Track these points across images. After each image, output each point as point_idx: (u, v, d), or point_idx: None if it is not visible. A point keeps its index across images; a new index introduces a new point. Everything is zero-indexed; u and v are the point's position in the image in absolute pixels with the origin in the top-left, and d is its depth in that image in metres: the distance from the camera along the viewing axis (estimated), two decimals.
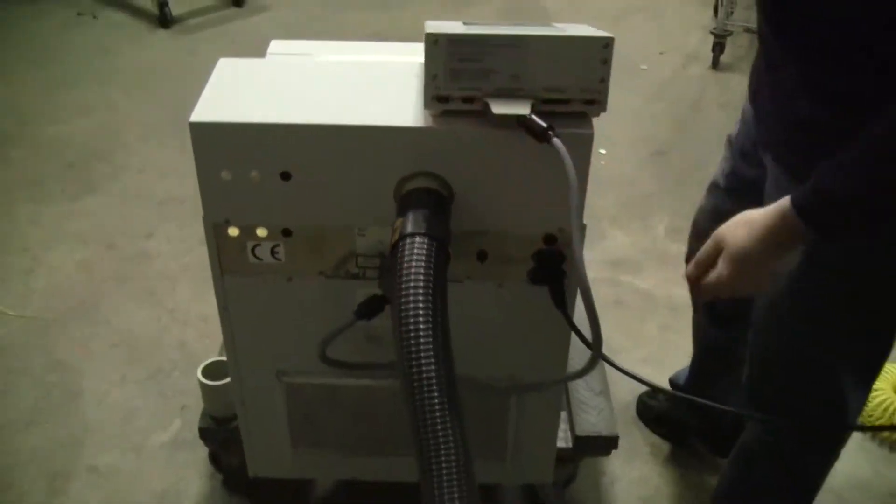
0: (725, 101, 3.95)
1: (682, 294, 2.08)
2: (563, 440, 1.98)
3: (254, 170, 1.43)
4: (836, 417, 1.66)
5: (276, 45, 1.79)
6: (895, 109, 1.21)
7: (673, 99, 4.01)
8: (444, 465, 1.11)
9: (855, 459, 2.35)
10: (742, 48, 4.44)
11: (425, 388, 1.15)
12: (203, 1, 4.95)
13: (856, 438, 2.39)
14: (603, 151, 3.53)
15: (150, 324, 2.68)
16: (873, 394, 2.37)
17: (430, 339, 1.16)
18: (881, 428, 2.40)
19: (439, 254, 1.26)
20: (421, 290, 1.20)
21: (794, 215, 1.30)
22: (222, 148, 1.41)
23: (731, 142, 1.83)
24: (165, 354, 2.56)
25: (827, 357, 1.58)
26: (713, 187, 1.91)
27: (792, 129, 1.48)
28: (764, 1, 1.47)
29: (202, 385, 1.96)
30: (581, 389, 2.10)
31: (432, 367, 1.15)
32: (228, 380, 1.89)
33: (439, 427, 1.13)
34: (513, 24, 1.43)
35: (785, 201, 1.32)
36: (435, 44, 1.34)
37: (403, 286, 1.21)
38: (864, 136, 1.23)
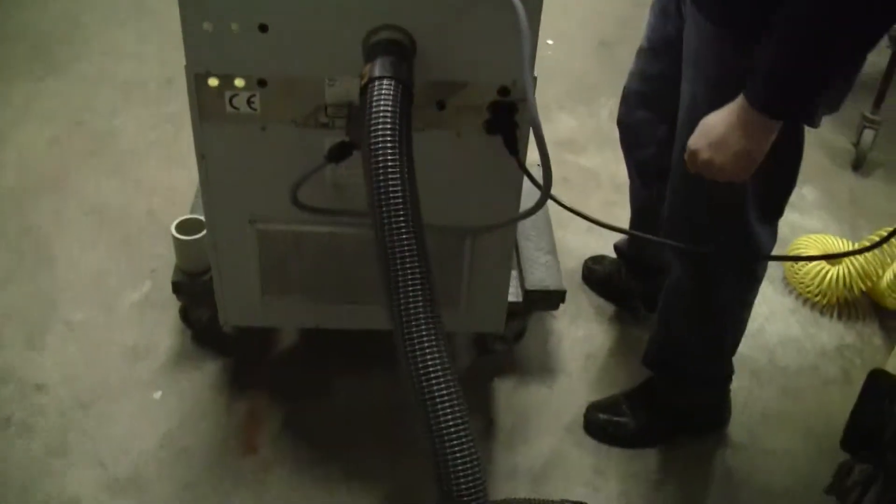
0: None
1: (624, 172, 2.25)
2: (514, 294, 2.15)
3: (234, 21, 1.55)
4: (747, 252, 1.85)
5: None
6: None
7: None
8: (411, 303, 1.26)
9: (786, 321, 2.56)
10: None
11: (393, 222, 1.29)
12: None
13: (787, 303, 2.61)
14: (550, 42, 3.68)
15: (119, 194, 2.79)
16: (808, 263, 2.57)
17: (399, 172, 1.31)
18: (790, 258, 2.59)
19: (405, 95, 1.40)
20: (389, 126, 1.34)
21: (754, 111, 1.45)
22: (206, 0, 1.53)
23: (653, 4, 1.98)
24: (135, 221, 2.68)
25: (736, 198, 1.74)
26: (639, 52, 2.07)
27: None
28: None
29: (175, 240, 2.09)
30: (531, 249, 2.26)
31: (400, 200, 1.29)
32: (201, 235, 2.04)
33: (408, 264, 1.28)
34: None
35: (739, 101, 1.46)
36: None
37: (373, 123, 1.35)
38: (785, 13, 1.37)
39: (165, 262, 2.41)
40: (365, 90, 1.41)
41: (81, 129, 3.08)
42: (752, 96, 1.45)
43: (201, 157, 1.74)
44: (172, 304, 2.30)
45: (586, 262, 2.64)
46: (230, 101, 1.65)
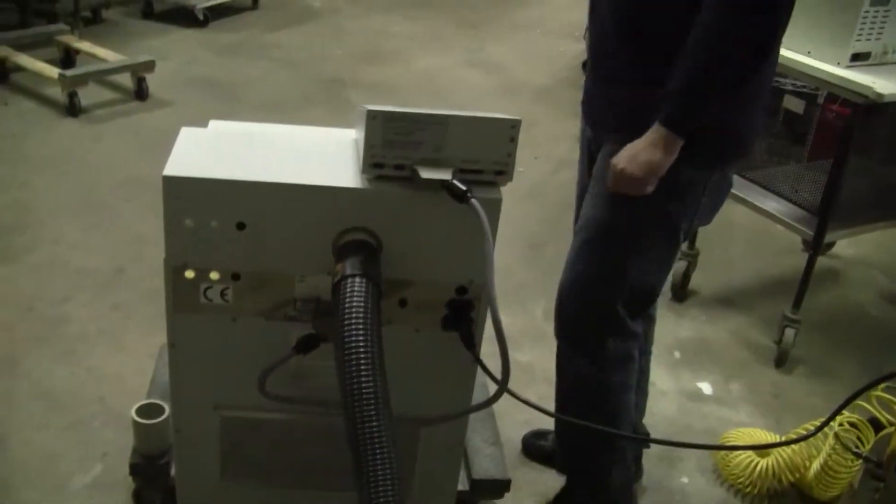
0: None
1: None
2: (461, 483, 2.22)
3: (214, 219, 1.67)
4: (650, 299, 2.30)
5: (215, 124, 2.04)
6: (703, 18, 1.83)
7: (545, 200, 4.41)
8: (381, 498, 1.35)
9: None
10: None
11: (365, 418, 1.40)
12: (109, 94, 5.16)
13: (719, 493, 2.70)
14: None
15: (69, 379, 2.83)
16: (737, 454, 2.70)
17: (370, 368, 1.42)
18: (721, 447, 2.71)
19: (375, 291, 1.53)
20: (361, 323, 1.46)
21: (668, 131, 1.92)
22: (189, 199, 1.65)
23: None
24: (85, 407, 2.71)
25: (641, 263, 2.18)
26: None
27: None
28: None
29: (136, 424, 2.14)
30: (476, 440, 2.35)
31: (371, 395, 1.40)
32: (161, 419, 2.10)
33: (378, 455, 1.37)
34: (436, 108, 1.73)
35: (655, 128, 1.92)
36: (374, 118, 1.62)
37: (346, 319, 1.47)
38: (688, 49, 1.86)
39: (116, 446, 2.44)
40: (337, 287, 1.53)
41: (32, 315, 3.13)
42: (665, 119, 1.92)
43: (172, 345, 1.82)
44: (123, 487, 2.32)
45: (527, 436, 2.77)
46: (204, 292, 1.75)
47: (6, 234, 3.62)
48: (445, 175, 1.62)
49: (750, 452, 2.66)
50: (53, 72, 4.84)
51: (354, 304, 1.49)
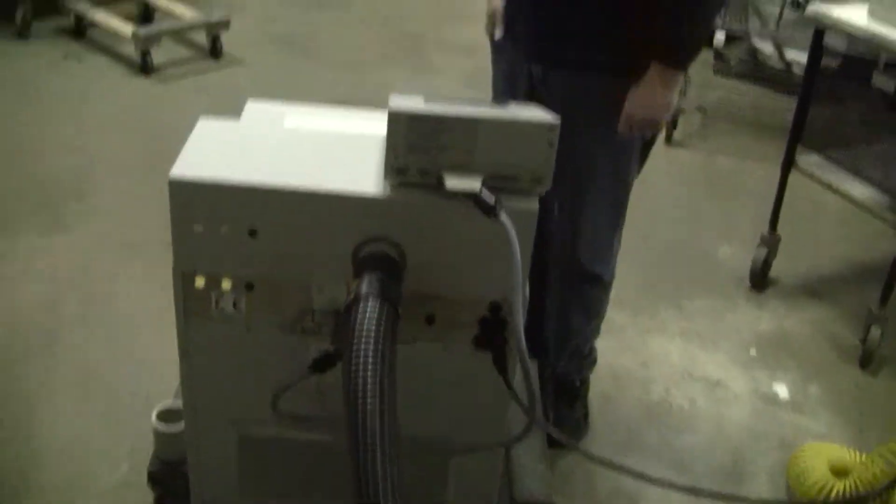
0: (674, 172, 4.13)
1: None
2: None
3: (224, 225, 1.53)
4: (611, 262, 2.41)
5: (251, 106, 1.89)
6: None
7: None
8: None
9: None
10: (693, 125, 4.60)
11: (369, 447, 1.25)
12: (183, 52, 5.08)
13: None
14: None
15: (108, 365, 2.75)
16: (811, 473, 2.48)
17: (376, 400, 1.27)
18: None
19: (390, 315, 1.37)
20: (371, 353, 1.30)
21: (669, 70, 2.04)
22: (197, 203, 1.52)
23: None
24: (120, 398, 2.64)
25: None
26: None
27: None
28: None
29: (155, 430, 2.03)
30: (523, 455, 2.19)
31: (377, 427, 1.25)
32: (181, 427, 1.98)
33: (379, 485, 1.23)
34: (472, 101, 1.55)
35: (654, 70, 2.03)
36: (396, 120, 1.45)
37: (355, 347, 1.31)
38: None
39: (147, 442, 2.35)
40: (350, 308, 1.38)
41: (78, 292, 3.07)
42: (675, 62, 2.05)
43: (184, 353, 1.69)
44: (148, 489, 2.23)
45: None
46: (216, 301, 1.62)
47: (65, 201, 3.56)
48: (474, 184, 1.44)
49: (825, 471, 2.45)
50: (127, 29, 4.76)
51: (364, 329, 1.33)
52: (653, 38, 2.04)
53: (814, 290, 3.51)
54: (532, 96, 2.18)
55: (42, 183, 3.67)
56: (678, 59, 2.07)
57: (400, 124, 1.45)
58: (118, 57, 4.93)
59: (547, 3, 2.13)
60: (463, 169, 1.48)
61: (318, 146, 1.65)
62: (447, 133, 1.46)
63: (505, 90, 2.32)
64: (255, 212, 1.52)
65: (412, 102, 1.51)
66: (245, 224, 1.52)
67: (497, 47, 2.35)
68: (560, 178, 2.15)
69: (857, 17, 3.01)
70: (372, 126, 1.73)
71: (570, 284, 2.43)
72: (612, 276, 2.44)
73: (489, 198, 1.42)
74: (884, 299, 3.06)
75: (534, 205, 1.50)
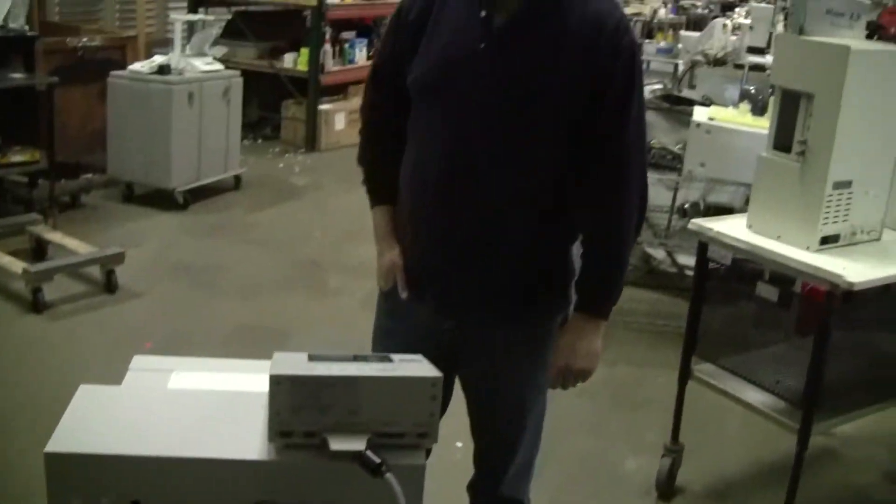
0: (578, 385, 4.13)
1: None
2: None
3: (104, 497, 1.49)
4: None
5: (137, 361, 1.88)
6: (603, 214, 2.06)
7: None
8: None
9: None
10: None
11: None
12: (77, 287, 5.04)
13: None
14: (459, 444, 3.66)
15: None
16: None
17: None
18: None
19: None
20: None
21: (599, 319, 2.10)
22: (76, 477, 1.49)
23: None
24: None
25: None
26: None
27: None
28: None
29: None
30: None
31: None
32: None
33: None
34: (356, 358, 1.57)
35: (584, 321, 2.10)
36: (279, 384, 1.46)
37: None
38: (598, 243, 2.08)
39: None
40: None
41: None
42: (604, 311, 2.11)
43: None
44: None
45: None
46: None
47: None
48: (359, 444, 1.45)
49: None
50: (18, 266, 4.74)
51: None
52: (577, 289, 2.13)
53: (720, 494, 3.54)
54: (447, 352, 2.10)
55: None
56: (604, 309, 2.11)
57: (282, 387, 1.46)
58: (10, 294, 4.87)
59: (466, 257, 2.09)
60: (348, 427, 1.49)
61: (203, 408, 1.64)
62: (330, 393, 1.47)
63: (409, 347, 2.07)
64: (137, 482, 1.49)
65: (295, 363, 1.53)
66: (127, 495, 1.49)
67: (396, 304, 2.22)
68: (490, 425, 2.22)
69: (737, 229, 3.15)
70: (259, 380, 1.74)
71: None
72: (529, 498, 2.41)
73: (374, 458, 1.43)
74: (789, 501, 3.09)
75: (420, 460, 1.51)
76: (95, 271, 5.06)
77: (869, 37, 3.49)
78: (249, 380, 1.75)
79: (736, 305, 3.83)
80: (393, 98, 2.15)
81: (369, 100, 2.25)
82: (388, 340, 2.24)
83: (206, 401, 1.67)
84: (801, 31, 2.96)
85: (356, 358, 1.57)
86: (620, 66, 1.97)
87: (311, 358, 1.56)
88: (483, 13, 1.99)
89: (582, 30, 1.96)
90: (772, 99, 3.79)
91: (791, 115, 2.97)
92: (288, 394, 1.46)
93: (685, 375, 3.34)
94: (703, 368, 3.34)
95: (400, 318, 2.22)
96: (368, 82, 2.25)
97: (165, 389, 1.72)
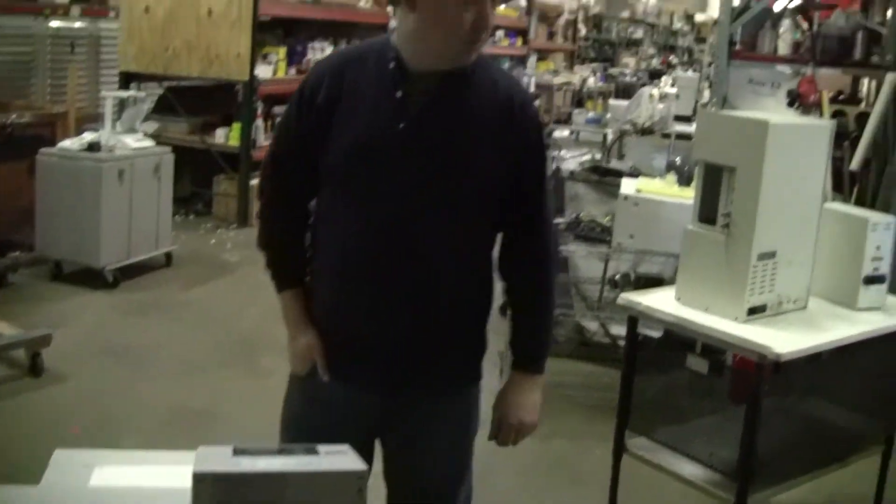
0: (512, 461, 4.12)
1: None
2: None
3: None
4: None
5: (58, 456, 1.83)
6: (536, 283, 2.21)
7: None
8: None
9: None
10: None
11: None
12: (3, 370, 4.90)
13: None
14: None
15: None
16: None
17: None
18: None
19: None
20: None
21: (538, 374, 2.24)
22: None
23: None
24: None
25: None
26: None
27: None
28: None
29: None
30: None
31: None
32: None
33: None
34: (282, 450, 1.54)
35: (525, 378, 2.23)
36: (202, 482, 1.43)
37: None
38: (533, 307, 2.23)
39: None
40: None
41: None
42: (542, 366, 2.25)
43: None
44: None
45: None
46: None
47: None
48: None
49: None
50: None
51: None
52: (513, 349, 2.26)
53: None
54: (371, 422, 2.17)
55: None
56: (543, 363, 2.25)
57: (205, 485, 1.43)
58: None
59: (403, 334, 2.10)
60: None
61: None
62: (255, 490, 1.44)
63: (329, 428, 2.02)
64: None
65: (218, 458, 1.50)
66: None
67: (315, 387, 2.18)
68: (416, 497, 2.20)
69: (666, 301, 3.18)
70: (184, 474, 1.70)
71: None
72: None
73: None
74: None
75: None
76: (20, 354, 4.94)
77: (790, 104, 3.60)
78: (174, 473, 1.71)
79: (669, 374, 3.85)
80: (297, 181, 2.17)
81: (272, 184, 2.24)
82: (304, 424, 2.22)
83: (128, 500, 1.63)
84: (725, 101, 3.03)
85: (282, 451, 1.54)
86: (533, 136, 2.13)
87: (236, 452, 1.53)
88: (399, 93, 2.02)
89: (495, 105, 2.07)
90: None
91: (714, 188, 3.03)
92: (211, 492, 1.42)
93: (619, 451, 3.33)
94: (636, 443, 3.33)
95: (319, 400, 2.19)
96: (267, 167, 2.25)
97: (86, 488, 1.67)
